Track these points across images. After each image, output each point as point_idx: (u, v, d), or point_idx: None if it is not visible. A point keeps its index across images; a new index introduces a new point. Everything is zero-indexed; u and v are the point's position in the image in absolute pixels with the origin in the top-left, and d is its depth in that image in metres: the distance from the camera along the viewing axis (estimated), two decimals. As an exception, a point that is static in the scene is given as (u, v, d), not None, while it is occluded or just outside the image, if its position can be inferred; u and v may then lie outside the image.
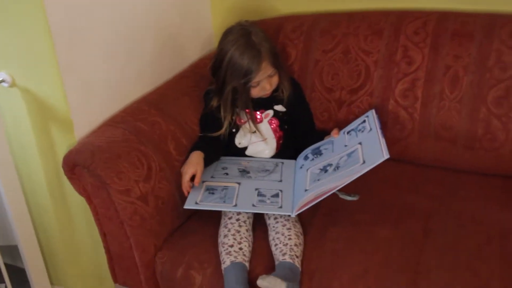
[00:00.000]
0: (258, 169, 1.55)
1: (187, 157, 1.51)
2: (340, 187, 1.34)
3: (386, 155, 1.32)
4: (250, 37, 1.50)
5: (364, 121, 1.50)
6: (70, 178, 1.44)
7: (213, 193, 1.44)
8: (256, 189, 1.45)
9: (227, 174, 1.53)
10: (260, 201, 1.41)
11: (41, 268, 1.68)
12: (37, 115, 1.49)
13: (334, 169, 1.41)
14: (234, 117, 1.59)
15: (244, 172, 1.53)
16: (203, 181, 1.48)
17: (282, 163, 1.58)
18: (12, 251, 1.75)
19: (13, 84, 1.46)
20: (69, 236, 1.68)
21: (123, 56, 1.62)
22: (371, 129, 1.45)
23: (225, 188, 1.46)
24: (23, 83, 1.46)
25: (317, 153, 1.54)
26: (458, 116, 1.54)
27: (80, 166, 1.39)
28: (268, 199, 1.42)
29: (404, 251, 1.31)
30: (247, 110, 1.59)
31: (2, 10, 1.37)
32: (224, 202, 1.41)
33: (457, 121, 1.55)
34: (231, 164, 1.58)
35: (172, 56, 1.85)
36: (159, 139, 1.52)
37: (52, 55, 1.38)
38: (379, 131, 1.42)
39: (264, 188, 1.46)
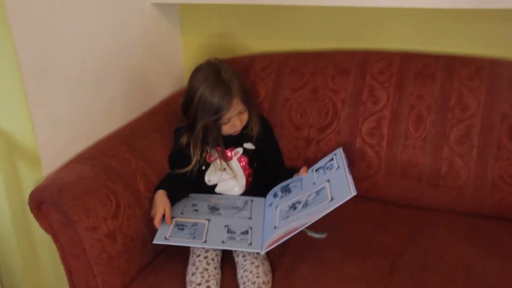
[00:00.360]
0: (227, 206, 1.55)
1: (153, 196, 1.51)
2: (309, 224, 1.35)
3: (353, 192, 1.34)
4: (220, 74, 1.51)
5: (332, 159, 1.53)
6: (36, 215, 1.41)
7: (182, 229, 1.44)
8: (225, 226, 1.45)
9: (196, 210, 1.53)
10: (230, 238, 1.41)
11: (3, 307, 1.63)
12: (4, 150, 1.47)
13: (303, 206, 1.42)
14: (203, 154, 1.59)
15: (214, 209, 1.54)
16: (173, 217, 1.47)
17: (252, 200, 1.59)
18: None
19: (-20, 119, 1.45)
20: (34, 276, 1.65)
21: (92, 92, 1.62)
22: (338, 167, 1.47)
23: (195, 224, 1.46)
24: (-10, 118, 1.44)
25: (286, 190, 1.55)
26: (423, 154, 1.58)
27: (48, 202, 1.37)
28: (238, 236, 1.42)
29: (371, 288, 1.31)
30: (218, 148, 1.59)
31: (-28, 45, 1.37)
32: (194, 238, 1.40)
33: (422, 159, 1.58)
34: (200, 200, 1.58)
35: (143, 92, 1.86)
36: (128, 176, 1.51)
37: (21, 91, 1.38)
38: (347, 169, 1.44)
39: (234, 225, 1.46)
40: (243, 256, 1.40)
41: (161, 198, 1.48)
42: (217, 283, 1.36)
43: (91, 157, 1.51)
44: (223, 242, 1.39)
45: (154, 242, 1.40)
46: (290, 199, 1.49)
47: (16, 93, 1.39)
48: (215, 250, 1.42)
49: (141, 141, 1.63)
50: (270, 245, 1.36)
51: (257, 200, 1.59)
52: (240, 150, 1.63)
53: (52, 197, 1.35)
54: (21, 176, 1.50)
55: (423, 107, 1.59)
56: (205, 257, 1.40)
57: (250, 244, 1.39)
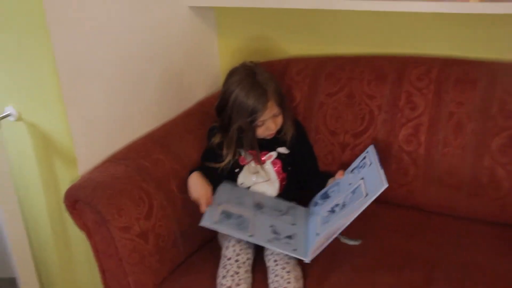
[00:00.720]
0: (271, 207, 1.53)
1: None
2: (348, 223, 1.33)
3: (385, 184, 1.32)
4: (255, 77, 1.51)
5: (365, 157, 1.51)
6: (71, 213, 1.43)
7: (229, 218, 1.43)
8: (271, 226, 1.44)
9: (240, 203, 1.51)
10: (275, 238, 1.39)
11: (39, 303, 1.66)
12: (42, 149, 1.50)
13: (341, 208, 1.41)
14: (236, 157, 1.59)
15: (258, 205, 1.52)
16: (219, 204, 1.47)
17: (294, 208, 1.57)
18: (11, 284, 1.73)
19: (19, 118, 1.48)
20: (69, 272, 1.66)
21: (128, 93, 1.63)
22: (371, 164, 1.45)
23: (240, 216, 1.45)
24: (29, 118, 1.47)
25: (325, 197, 1.53)
26: (462, 163, 1.53)
27: (82, 201, 1.39)
28: (283, 238, 1.40)
29: (406, 300, 1.28)
30: (252, 151, 1.58)
31: (12, 46, 1.40)
32: (240, 230, 1.39)
33: (461, 168, 1.53)
34: (244, 194, 1.56)
35: (178, 93, 1.86)
36: (161, 177, 1.51)
37: (58, 91, 1.40)
38: (378, 164, 1.42)
39: (279, 227, 1.44)
40: (275, 261, 1.39)
41: (201, 180, 1.48)
42: (247, 287, 1.35)
43: (125, 158, 1.52)
44: (268, 241, 1.38)
45: (201, 224, 1.39)
46: (329, 204, 1.47)
47: (53, 92, 1.41)
48: (247, 253, 1.41)
49: (175, 143, 1.63)
50: (314, 252, 1.35)
51: (300, 208, 1.57)
52: (273, 154, 1.62)
53: (86, 196, 1.37)
54: (58, 174, 1.52)
55: (463, 114, 1.54)
56: (236, 261, 1.39)
57: (295, 249, 1.37)
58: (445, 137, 1.56)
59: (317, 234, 1.39)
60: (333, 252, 1.44)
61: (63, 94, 1.41)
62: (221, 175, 1.59)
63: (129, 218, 1.38)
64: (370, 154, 1.49)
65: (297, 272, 1.36)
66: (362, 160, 1.51)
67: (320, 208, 1.50)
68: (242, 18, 1.99)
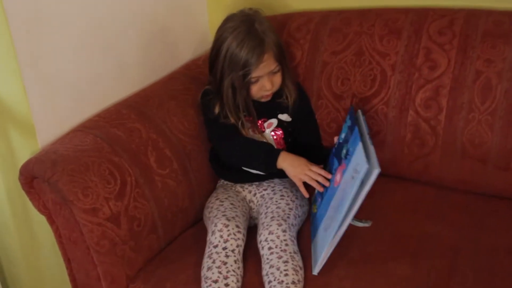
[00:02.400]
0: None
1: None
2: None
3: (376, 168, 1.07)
4: (253, 25, 1.33)
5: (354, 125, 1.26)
6: (28, 193, 1.23)
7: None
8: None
9: None
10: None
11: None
12: (-6, 116, 1.28)
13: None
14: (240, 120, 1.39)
15: None
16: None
17: None
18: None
19: (-37, 79, 1.26)
20: (33, 259, 1.48)
21: (99, 52, 1.42)
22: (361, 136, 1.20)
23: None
24: (-25, 78, 1.26)
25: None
26: (490, 131, 1.34)
27: (40, 178, 1.19)
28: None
29: (426, 294, 1.10)
30: (248, 118, 1.40)
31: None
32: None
33: (488, 136, 1.35)
34: None
35: (161, 54, 1.65)
36: (137, 149, 1.31)
37: (9, 46, 1.19)
38: (369, 141, 1.18)
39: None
40: (269, 248, 1.18)
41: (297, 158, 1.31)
42: (237, 280, 1.15)
43: (94, 127, 1.32)
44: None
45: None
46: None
47: (4, 49, 1.20)
48: (237, 239, 1.21)
49: (155, 110, 1.42)
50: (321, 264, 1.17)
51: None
52: (274, 121, 1.43)
53: (44, 172, 1.17)
54: (15, 147, 1.32)
55: (492, 73, 1.34)
56: (224, 248, 1.19)
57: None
58: (470, 100, 1.36)
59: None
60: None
61: (17, 50, 1.20)
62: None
63: (96, 198, 1.18)
64: (360, 124, 1.27)
65: (296, 262, 1.16)
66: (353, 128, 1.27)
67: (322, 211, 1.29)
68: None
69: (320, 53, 1.53)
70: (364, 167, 1.06)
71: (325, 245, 1.15)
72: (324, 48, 1.53)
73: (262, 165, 1.34)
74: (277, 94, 1.42)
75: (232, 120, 1.38)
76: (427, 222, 1.31)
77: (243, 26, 1.33)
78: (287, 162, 1.30)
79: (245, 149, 1.36)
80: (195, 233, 1.34)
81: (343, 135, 1.31)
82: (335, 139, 1.37)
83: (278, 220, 1.23)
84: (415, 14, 1.47)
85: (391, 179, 1.46)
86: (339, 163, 1.25)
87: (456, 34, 1.39)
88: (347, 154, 1.22)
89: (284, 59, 1.38)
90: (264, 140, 1.41)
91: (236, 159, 1.37)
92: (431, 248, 1.23)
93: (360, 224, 1.29)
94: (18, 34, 1.20)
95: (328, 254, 1.15)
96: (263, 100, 1.41)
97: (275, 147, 1.41)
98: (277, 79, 1.37)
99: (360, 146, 1.13)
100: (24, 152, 1.30)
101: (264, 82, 1.35)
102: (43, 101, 1.28)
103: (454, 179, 1.42)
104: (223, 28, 1.36)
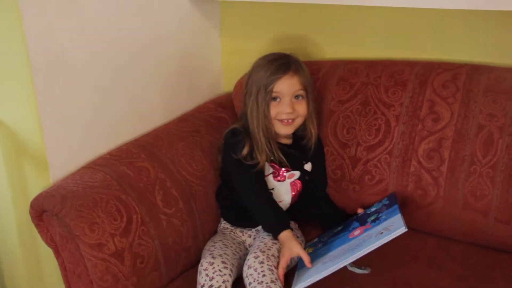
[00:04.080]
0: None
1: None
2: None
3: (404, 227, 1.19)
4: (287, 56, 1.39)
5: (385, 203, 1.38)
6: (37, 226, 1.26)
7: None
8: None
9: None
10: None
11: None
12: (10, 151, 1.33)
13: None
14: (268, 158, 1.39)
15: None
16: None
17: None
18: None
19: (-15, 114, 1.31)
20: (38, 290, 1.48)
21: (114, 93, 1.47)
22: (392, 206, 1.33)
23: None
24: (-3, 113, 1.31)
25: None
26: (491, 184, 1.34)
27: (49, 212, 1.22)
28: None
29: None
30: (273, 164, 1.41)
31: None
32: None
33: (490, 189, 1.35)
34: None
35: (174, 97, 1.69)
36: (145, 188, 1.34)
37: (29, 83, 1.24)
38: (398, 209, 1.30)
39: None
40: (249, 283, 1.21)
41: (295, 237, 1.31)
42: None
43: (105, 164, 1.35)
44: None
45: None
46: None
47: (24, 87, 1.25)
48: (223, 275, 1.21)
49: (164, 150, 1.45)
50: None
51: None
52: (297, 173, 1.44)
53: (54, 206, 1.20)
54: (28, 181, 1.35)
55: (494, 128, 1.35)
56: (210, 286, 1.20)
57: None
58: (472, 153, 1.37)
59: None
60: (338, 281, 1.27)
61: (35, 86, 1.24)
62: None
63: (102, 234, 1.20)
64: (391, 199, 1.37)
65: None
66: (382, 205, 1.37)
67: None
68: (249, 14, 1.82)
69: (327, 101, 1.56)
70: (401, 227, 1.18)
71: (317, 272, 1.19)
72: (331, 96, 1.56)
73: (266, 228, 1.35)
74: (299, 137, 1.44)
75: (260, 162, 1.35)
76: (427, 271, 1.31)
77: (278, 55, 1.39)
78: (287, 240, 1.28)
79: (263, 206, 1.35)
80: (197, 272, 1.35)
81: (373, 209, 1.37)
82: (359, 210, 1.41)
83: (256, 253, 1.24)
84: (420, 67, 1.50)
85: (393, 228, 1.47)
86: (362, 224, 1.32)
87: (459, 88, 1.41)
88: (376, 219, 1.29)
89: (310, 91, 1.40)
90: (282, 190, 1.42)
91: (251, 208, 1.36)
92: (430, 299, 1.22)
93: (359, 271, 1.30)
94: (38, 72, 1.24)
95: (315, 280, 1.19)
96: (282, 133, 1.40)
97: (290, 196, 1.43)
98: (300, 107, 1.37)
99: (399, 216, 1.24)
100: (36, 186, 1.33)
101: (286, 102, 1.35)
102: (58, 138, 1.32)
103: (455, 230, 1.42)
104: (257, 61, 1.41)
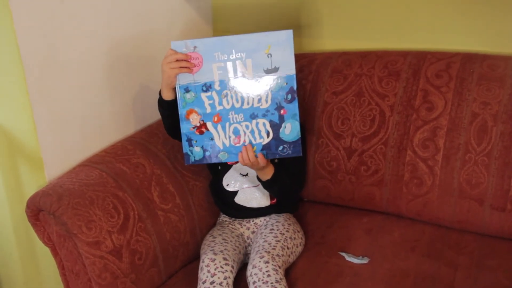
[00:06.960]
0: None
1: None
2: None
3: None
4: None
5: None
6: (33, 225, 1.26)
7: None
8: None
9: None
10: None
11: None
12: (4, 150, 1.32)
13: None
14: None
15: None
16: None
17: None
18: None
19: (-22, 114, 1.30)
20: (36, 289, 1.48)
21: (106, 91, 1.46)
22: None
23: None
24: (-11, 114, 1.30)
25: None
26: (486, 171, 1.35)
27: (45, 211, 1.21)
28: None
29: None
30: None
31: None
32: None
33: (485, 177, 1.35)
34: None
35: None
36: (141, 184, 1.34)
37: (22, 83, 1.23)
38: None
39: None
40: (253, 282, 1.20)
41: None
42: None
43: (100, 161, 1.35)
44: None
45: None
46: None
47: (17, 86, 1.24)
48: (224, 271, 1.22)
49: (160, 146, 1.45)
50: None
51: None
52: None
53: (50, 205, 1.19)
54: (23, 180, 1.34)
55: (488, 116, 1.36)
56: (212, 283, 1.20)
57: None
58: (467, 141, 1.38)
59: None
60: (335, 273, 1.28)
61: (28, 85, 1.24)
62: None
63: (99, 232, 1.20)
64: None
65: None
66: None
67: None
68: (241, 9, 1.82)
69: (321, 93, 1.56)
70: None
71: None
72: (325, 88, 1.56)
73: None
74: None
75: None
76: (424, 260, 1.31)
77: None
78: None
79: None
80: (196, 267, 1.34)
81: None
82: None
83: (261, 253, 1.25)
84: (413, 57, 1.50)
85: (389, 217, 1.47)
86: None
87: (452, 77, 1.42)
88: None
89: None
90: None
91: None
92: (428, 287, 1.22)
93: (357, 261, 1.30)
94: (30, 71, 1.24)
95: None
96: None
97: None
98: None
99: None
100: (32, 185, 1.32)
101: None
102: (52, 137, 1.31)
103: (452, 219, 1.42)
104: None
